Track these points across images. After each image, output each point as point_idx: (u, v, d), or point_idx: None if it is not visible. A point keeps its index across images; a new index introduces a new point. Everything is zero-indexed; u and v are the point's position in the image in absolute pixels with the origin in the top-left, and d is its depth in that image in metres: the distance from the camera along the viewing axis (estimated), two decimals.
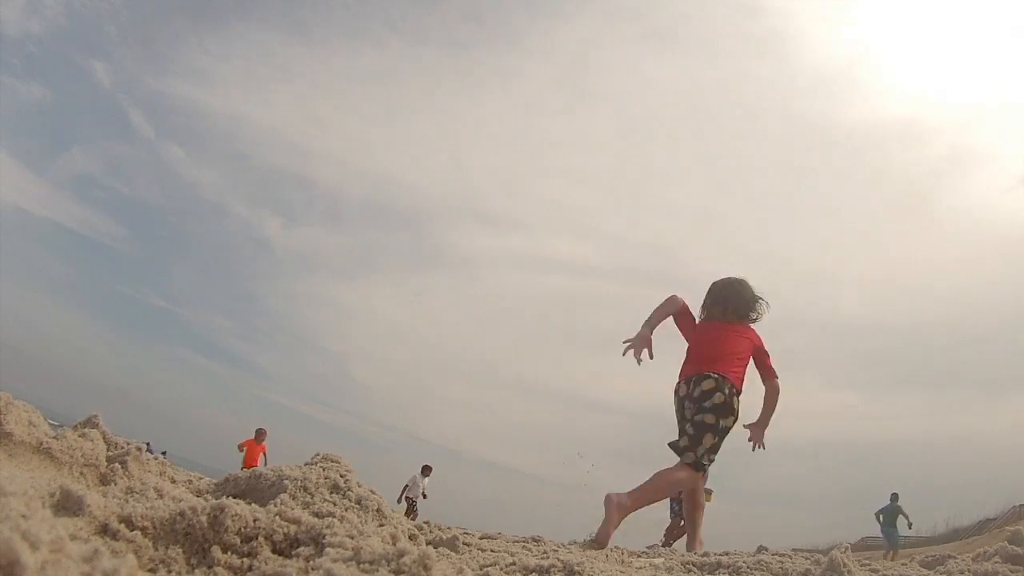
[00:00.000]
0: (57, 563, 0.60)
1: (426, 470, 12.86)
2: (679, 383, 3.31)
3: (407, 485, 12.73)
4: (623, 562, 3.87)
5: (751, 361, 3.28)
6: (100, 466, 1.39)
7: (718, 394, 3.10)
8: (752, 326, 3.36)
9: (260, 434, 11.28)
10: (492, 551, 2.20)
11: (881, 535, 11.38)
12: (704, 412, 3.09)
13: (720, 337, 3.27)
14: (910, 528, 11.01)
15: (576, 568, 1.21)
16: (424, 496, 12.58)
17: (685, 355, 3.36)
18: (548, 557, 1.72)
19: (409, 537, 1.38)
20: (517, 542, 4.52)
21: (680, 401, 3.26)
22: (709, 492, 7.49)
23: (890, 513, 10.98)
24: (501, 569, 1.26)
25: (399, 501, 12.47)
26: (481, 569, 1.24)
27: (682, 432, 3.16)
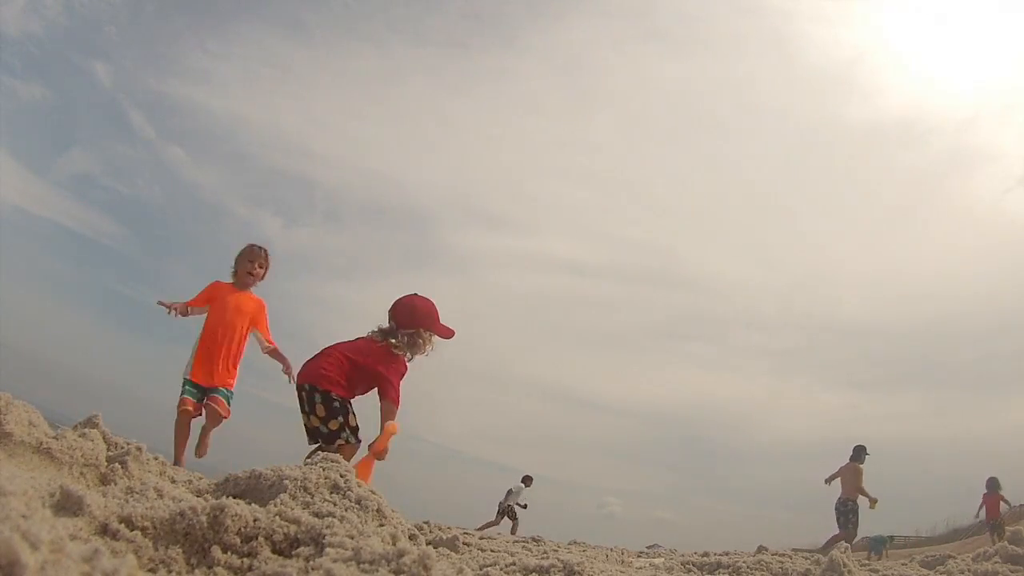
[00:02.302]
0: (57, 563, 0.60)
1: (527, 480, 11.87)
2: None
3: (509, 491, 11.67)
4: (623, 562, 3.88)
5: None
6: (100, 466, 1.39)
7: None
8: None
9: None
10: (492, 551, 2.20)
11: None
12: None
13: None
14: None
15: (576, 568, 1.21)
16: (523, 506, 11.57)
17: None
18: (548, 557, 1.72)
19: (409, 537, 1.38)
20: (517, 542, 4.52)
21: None
22: (875, 500, 7.86)
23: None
24: (501, 569, 1.27)
25: (499, 514, 11.35)
26: (481, 569, 1.24)
27: None
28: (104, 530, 0.96)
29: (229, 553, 1.00)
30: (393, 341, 3.09)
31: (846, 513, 7.97)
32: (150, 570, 0.94)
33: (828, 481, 8.26)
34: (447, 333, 3.23)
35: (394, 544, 1.03)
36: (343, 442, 2.96)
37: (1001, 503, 9.82)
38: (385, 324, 3.23)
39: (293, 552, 1.03)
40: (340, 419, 2.98)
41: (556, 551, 3.54)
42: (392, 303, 3.23)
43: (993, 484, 9.91)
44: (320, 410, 2.99)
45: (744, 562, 2.69)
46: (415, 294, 3.29)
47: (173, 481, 1.60)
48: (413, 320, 3.17)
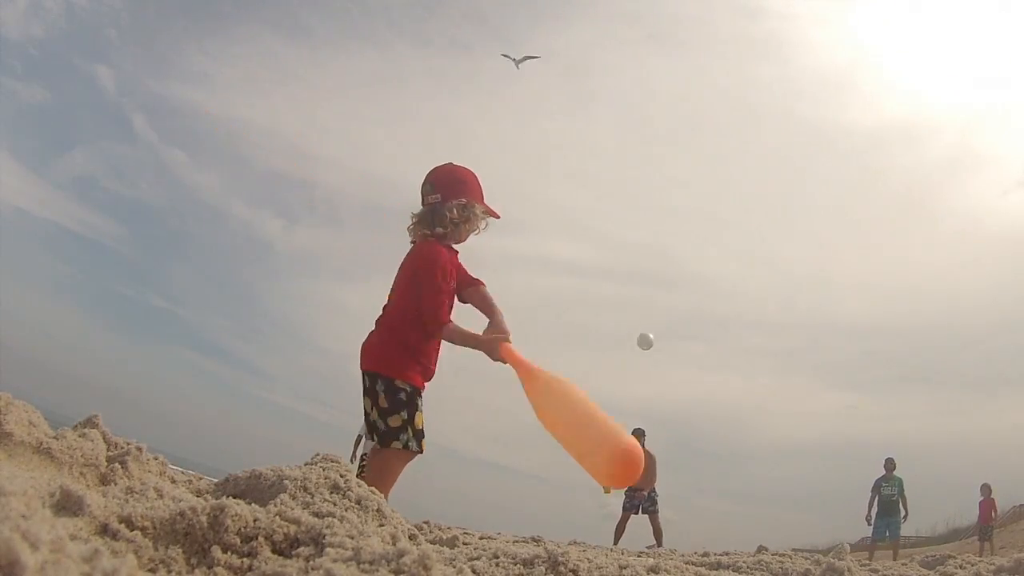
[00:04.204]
0: (57, 563, 0.60)
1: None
2: None
3: None
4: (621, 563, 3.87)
5: None
6: (100, 466, 1.39)
7: None
8: None
9: None
10: (486, 549, 2.19)
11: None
12: None
13: None
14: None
15: (560, 558, 1.21)
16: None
17: None
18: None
19: (409, 537, 1.38)
20: (517, 542, 4.51)
21: None
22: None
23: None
24: (488, 560, 1.27)
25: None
26: (468, 561, 1.24)
27: None
28: (104, 530, 0.96)
29: (229, 553, 1.00)
30: (447, 216, 2.48)
31: None
32: (150, 570, 0.94)
33: None
34: (495, 213, 2.65)
35: (394, 544, 1.03)
36: (400, 446, 2.37)
37: (993, 510, 10.83)
38: (418, 208, 2.57)
39: (293, 552, 1.03)
40: (404, 415, 2.38)
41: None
42: (428, 175, 2.60)
43: (986, 490, 10.91)
44: (383, 401, 2.42)
45: (744, 562, 2.69)
46: (452, 163, 2.66)
47: (173, 481, 1.60)
48: (464, 188, 2.55)
